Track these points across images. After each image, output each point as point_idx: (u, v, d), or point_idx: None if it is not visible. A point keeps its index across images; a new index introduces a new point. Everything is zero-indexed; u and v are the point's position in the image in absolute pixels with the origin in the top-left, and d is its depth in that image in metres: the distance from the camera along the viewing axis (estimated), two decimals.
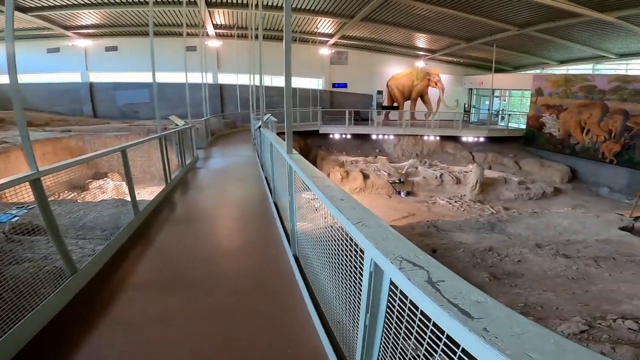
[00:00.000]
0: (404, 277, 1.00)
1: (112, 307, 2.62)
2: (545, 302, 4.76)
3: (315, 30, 20.17)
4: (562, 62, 20.83)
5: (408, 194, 14.86)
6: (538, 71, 21.93)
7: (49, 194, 2.60)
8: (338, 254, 1.81)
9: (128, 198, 4.86)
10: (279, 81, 20.38)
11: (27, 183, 2.38)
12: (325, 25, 19.45)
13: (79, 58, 20.78)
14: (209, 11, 17.35)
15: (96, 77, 21.50)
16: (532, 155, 18.34)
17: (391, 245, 1.20)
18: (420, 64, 23.54)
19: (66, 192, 8.27)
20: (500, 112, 23.24)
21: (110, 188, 9.12)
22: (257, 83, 14.17)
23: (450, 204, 13.82)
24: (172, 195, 6.12)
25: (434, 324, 0.91)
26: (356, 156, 17.92)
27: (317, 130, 18.91)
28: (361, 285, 1.45)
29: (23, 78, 19.36)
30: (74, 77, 21.28)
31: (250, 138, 13.93)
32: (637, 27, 13.62)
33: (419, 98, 21.96)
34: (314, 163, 16.49)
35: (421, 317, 0.97)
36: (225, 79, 22.41)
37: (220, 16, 18.72)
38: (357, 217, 1.48)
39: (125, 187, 9.39)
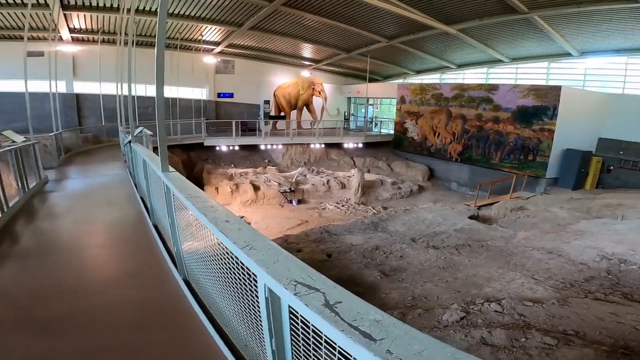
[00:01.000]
0: (300, 303, 0.92)
1: None
2: (428, 293, 5.40)
3: (200, 37, 19.21)
4: (419, 72, 24.74)
5: (299, 202, 15.23)
6: (401, 80, 25.50)
7: None
8: (231, 278, 1.64)
9: None
10: (154, 91, 18.50)
11: None
12: (211, 33, 18.73)
13: None
14: (64, 14, 14.87)
15: None
16: (400, 157, 21.08)
17: (283, 268, 1.11)
18: (305, 73, 24.67)
19: None
20: (374, 119, 26.09)
21: None
22: (127, 92, 12.61)
23: (338, 208, 14.71)
24: (12, 226, 4.81)
25: (339, 351, 0.86)
26: (245, 168, 17.54)
27: (202, 143, 17.81)
28: (259, 310, 1.33)
29: None
30: None
31: (120, 154, 12.16)
32: (470, 39, 17.14)
33: (305, 107, 22.93)
34: (200, 178, 15.44)
35: (325, 344, 0.91)
36: (84, 88, 19.15)
37: (80, 19, 16.22)
38: (244, 240, 1.35)
39: None
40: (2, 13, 14.22)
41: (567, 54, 16.88)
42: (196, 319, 2.49)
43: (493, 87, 16.96)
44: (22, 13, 13.92)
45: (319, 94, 22.49)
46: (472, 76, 22.13)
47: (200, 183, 14.78)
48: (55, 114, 12.29)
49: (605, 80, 16.79)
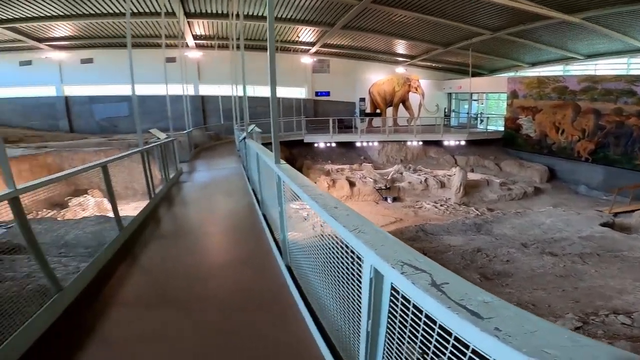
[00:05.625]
0: (407, 281, 0.98)
1: (99, 325, 2.51)
2: (537, 301, 4.84)
3: (297, 39, 20.31)
4: (534, 64, 21.66)
5: (395, 199, 14.98)
6: (512, 74, 22.74)
7: (28, 213, 2.50)
8: (334, 262, 1.77)
9: (111, 214, 4.70)
10: (261, 91, 20.33)
11: (5, 202, 2.27)
12: (306, 34, 19.60)
13: (53, 71, 20.13)
14: (188, 22, 17.18)
15: (71, 91, 20.93)
16: (512, 156, 18.85)
17: (390, 250, 1.18)
18: (400, 69, 24.03)
19: (45, 210, 7.99)
20: (479, 116, 23.88)
21: (92, 205, 8.82)
22: (240, 93, 14.17)
23: (436, 207, 14.00)
24: (157, 210, 5.95)
25: (440, 327, 0.90)
26: (342, 164, 18.01)
27: (302, 140, 18.94)
28: (360, 293, 1.43)
29: None
30: (49, 91, 20.60)
31: (235, 150, 13.81)
32: (602, 28, 14.33)
33: (401, 104, 22.36)
34: (300, 173, 16.45)
35: (426, 320, 0.96)
36: (207, 90, 22.16)
37: (200, 27, 18.59)
38: (352, 224, 1.46)
39: (107, 204, 9.12)
40: (142, 22, 16.90)
41: None
42: (294, 304, 2.66)
43: (637, 79, 13.91)
44: (157, 22, 16.25)
45: (416, 90, 21.62)
46: (607, 67, 18.42)
47: None
48: (187, 114, 14.60)
49: None
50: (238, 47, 13.53)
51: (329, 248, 1.82)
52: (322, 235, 2.00)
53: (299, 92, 23.80)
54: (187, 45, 19.37)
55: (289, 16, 17.00)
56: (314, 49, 21.83)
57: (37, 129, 19.01)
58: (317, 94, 24.27)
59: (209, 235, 4.84)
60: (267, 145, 5.77)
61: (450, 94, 26.15)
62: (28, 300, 2.55)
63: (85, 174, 4.15)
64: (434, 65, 24.82)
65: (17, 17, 15.00)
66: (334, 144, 19.38)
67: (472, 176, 16.03)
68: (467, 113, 24.10)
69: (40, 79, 20.10)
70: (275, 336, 2.35)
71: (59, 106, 20.57)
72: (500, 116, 20.92)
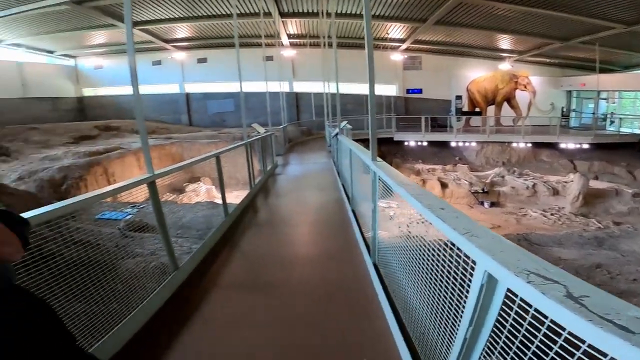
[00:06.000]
0: (535, 291, 0.88)
1: (202, 305, 2.77)
2: None
3: (386, 35, 19.79)
4: None
5: (493, 204, 13.63)
6: None
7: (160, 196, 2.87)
8: (433, 265, 1.69)
9: (218, 201, 5.25)
10: (352, 88, 20.45)
11: (144, 185, 2.71)
12: (395, 30, 19.02)
13: (176, 70, 23.27)
14: (282, 21, 17.88)
15: (190, 89, 24.01)
16: None
17: (511, 257, 1.07)
18: (505, 65, 21.55)
19: (168, 194, 9.38)
20: (609, 116, 20.01)
21: (203, 191, 10.07)
22: (332, 91, 14.50)
23: (545, 216, 12.28)
24: (255, 200, 6.46)
25: (566, 340, 0.83)
26: (433, 164, 17.10)
27: (392, 138, 18.51)
28: (463, 298, 1.34)
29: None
30: (173, 88, 23.93)
31: (325, 145, 14.21)
32: None
33: (505, 102, 20.11)
34: None
35: (547, 332, 0.90)
36: (300, 87, 23.12)
37: (293, 26, 19.25)
38: (463, 227, 1.36)
39: (215, 191, 10.32)
40: (245, 23, 18.11)
41: None
42: (377, 302, 2.64)
43: None
44: (257, 22, 16.94)
45: (525, 87, 19.21)
46: None
47: None
48: (283, 110, 15.54)
49: None
50: (329, 45, 13.89)
51: (430, 250, 1.74)
52: (419, 237, 1.92)
53: (389, 90, 23.29)
54: (282, 44, 20.39)
55: (377, 14, 16.62)
56: (404, 46, 21.04)
57: (165, 122, 22.29)
58: (408, 91, 23.39)
59: (300, 226, 5.05)
60: (359, 142, 5.79)
61: (569, 92, 22.43)
62: (150, 276, 2.81)
63: (200, 163, 4.71)
64: (548, 60, 21.53)
65: (148, 19, 17.46)
66: (425, 143, 18.48)
67: (595, 184, 13.59)
68: (593, 113, 20.34)
69: (167, 77, 23.45)
70: (356, 330, 2.38)
71: (181, 102, 23.90)
72: (638, 117, 17.20)
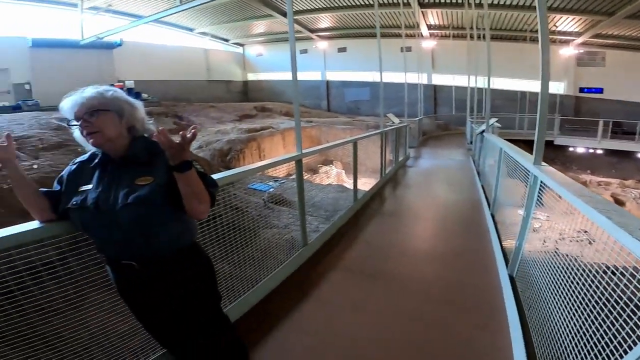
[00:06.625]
0: None
1: (322, 283, 2.86)
2: None
3: (554, 29, 16.55)
4: None
5: None
6: None
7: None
8: (611, 293, 1.35)
9: (347, 185, 5.41)
10: (501, 83, 18.30)
11: (293, 162, 2.99)
12: (567, 23, 15.78)
13: (319, 58, 24.93)
14: (422, 12, 17.31)
15: (331, 77, 25.43)
16: None
17: None
18: None
19: (304, 173, 10.22)
20: None
21: (334, 174, 10.63)
22: (479, 85, 13.05)
23: None
24: (384, 189, 6.43)
25: None
26: (608, 177, 13.73)
27: (552, 142, 15.55)
28: None
29: (286, 76, 24.92)
30: (316, 76, 25.71)
31: (464, 142, 13.01)
32: None
33: None
34: None
35: None
36: (439, 79, 21.83)
37: (434, 16, 18.33)
38: None
39: (344, 175, 10.77)
40: (385, 13, 18.16)
41: None
42: (502, 315, 2.41)
43: None
44: (397, 12, 16.70)
45: None
46: None
47: None
48: (420, 102, 14.87)
49: None
50: (479, 37, 12.38)
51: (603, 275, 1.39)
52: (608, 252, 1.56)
53: (553, 87, 19.39)
54: (421, 35, 19.51)
55: (549, 5, 13.99)
56: (579, 40, 17.20)
57: (307, 107, 24.31)
58: (582, 90, 19.03)
59: (427, 221, 4.83)
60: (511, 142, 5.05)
61: None
62: (281, 248, 2.96)
63: (336, 148, 4.89)
64: None
65: (298, 9, 19.06)
66: (599, 151, 14.87)
67: None
68: None
69: (311, 65, 25.29)
70: (472, 339, 2.20)
71: (322, 89, 25.63)
72: None
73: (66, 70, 14.58)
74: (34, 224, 1.29)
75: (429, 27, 19.89)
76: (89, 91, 1.20)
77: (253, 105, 21.22)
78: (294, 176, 3.16)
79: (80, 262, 1.52)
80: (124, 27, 15.25)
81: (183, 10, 12.75)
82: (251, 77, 28.26)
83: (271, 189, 5.70)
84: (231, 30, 23.64)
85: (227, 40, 26.05)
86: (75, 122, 1.19)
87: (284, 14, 19.30)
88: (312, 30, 22.94)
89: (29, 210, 1.26)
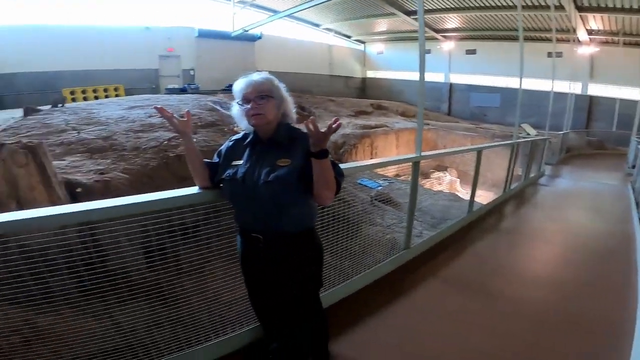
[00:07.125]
0: None
1: (419, 288, 2.77)
2: None
3: None
4: None
5: None
6: None
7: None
8: None
9: (461, 195, 5.00)
10: None
11: (410, 163, 2.94)
12: None
13: (443, 60, 23.30)
14: (580, 16, 14.62)
15: (455, 79, 23.67)
16: None
17: None
18: None
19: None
20: None
21: (447, 181, 9.98)
22: None
23: None
24: (505, 205, 5.74)
25: None
26: None
27: None
28: None
29: (405, 75, 24.13)
30: (438, 77, 24.10)
31: (624, 166, 10.56)
32: None
33: None
34: None
35: None
36: (598, 90, 18.11)
37: (598, 21, 15.24)
38: None
39: (458, 184, 10.00)
40: (529, 15, 15.89)
41: None
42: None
43: None
44: (546, 15, 14.84)
45: None
46: None
47: None
48: (568, 114, 12.61)
49: None
50: None
51: None
52: None
53: None
54: (578, 41, 16.43)
55: None
56: None
57: (426, 109, 23.17)
58: None
59: (553, 245, 4.19)
60: None
61: None
62: (381, 247, 2.92)
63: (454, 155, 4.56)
64: None
65: (427, 9, 17.90)
66: None
67: None
68: None
69: (434, 66, 23.46)
70: None
71: (444, 91, 24.01)
72: None
73: (220, 60, 17.03)
74: (194, 189, 1.56)
75: (589, 32, 16.93)
76: (260, 77, 1.38)
77: (370, 102, 21.32)
78: (402, 177, 3.09)
79: (217, 230, 1.73)
80: (265, 21, 16.94)
81: (315, 5, 13.42)
82: (370, 74, 28.37)
83: (379, 187, 5.68)
84: (354, 27, 24.09)
85: (349, 37, 26.68)
86: (240, 102, 1.37)
87: (408, 13, 18.74)
88: (437, 31, 21.75)
89: (194, 176, 1.52)
